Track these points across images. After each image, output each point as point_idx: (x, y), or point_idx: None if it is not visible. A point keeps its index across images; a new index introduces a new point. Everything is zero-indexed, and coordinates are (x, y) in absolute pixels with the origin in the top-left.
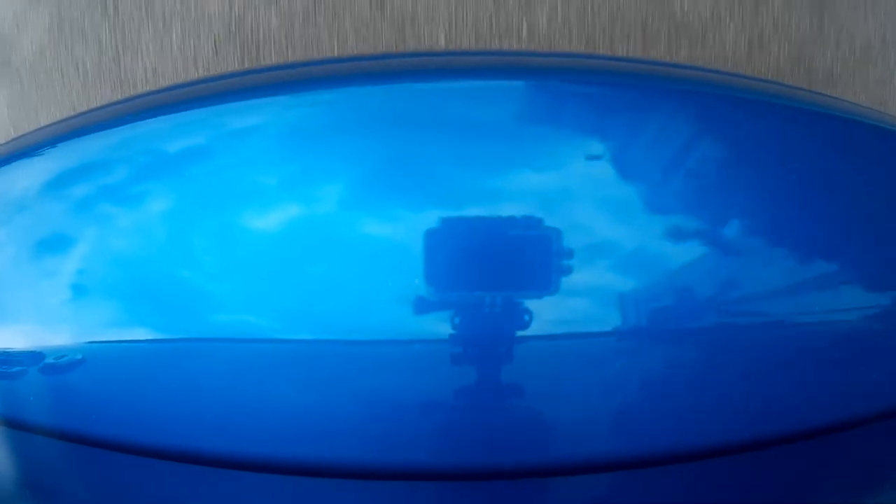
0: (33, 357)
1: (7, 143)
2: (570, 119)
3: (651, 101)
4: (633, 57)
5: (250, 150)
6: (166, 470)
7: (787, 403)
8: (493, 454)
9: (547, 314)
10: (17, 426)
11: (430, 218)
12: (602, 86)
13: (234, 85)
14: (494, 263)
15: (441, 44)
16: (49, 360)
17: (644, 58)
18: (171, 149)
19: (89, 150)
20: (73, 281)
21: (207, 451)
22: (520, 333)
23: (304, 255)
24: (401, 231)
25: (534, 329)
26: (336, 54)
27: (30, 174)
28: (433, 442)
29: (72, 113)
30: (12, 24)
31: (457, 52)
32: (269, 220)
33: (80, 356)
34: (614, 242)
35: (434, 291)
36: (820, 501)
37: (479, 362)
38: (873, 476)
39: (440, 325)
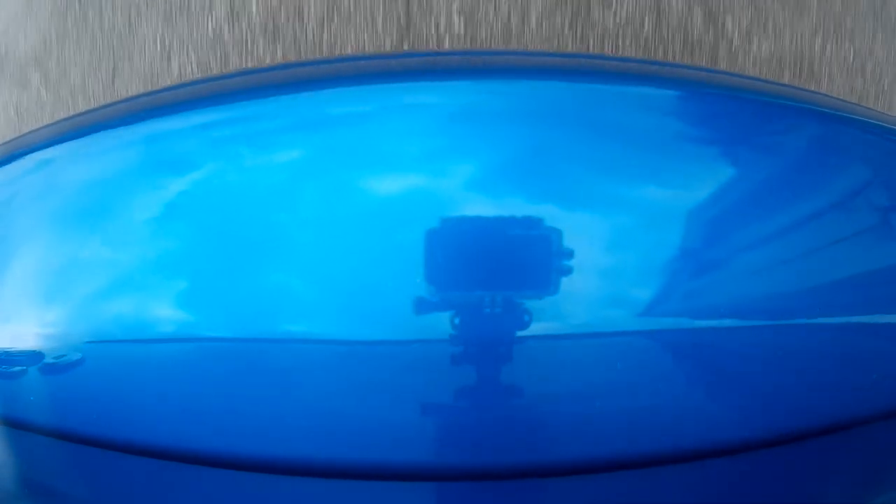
0: (33, 357)
1: (7, 142)
2: (571, 119)
3: (656, 102)
4: (644, 58)
5: (232, 152)
6: (166, 470)
7: (787, 403)
8: (493, 454)
9: (549, 314)
10: (17, 426)
11: (432, 217)
12: (613, 85)
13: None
14: (495, 263)
15: None
16: (49, 360)
17: (655, 59)
18: (163, 151)
19: (88, 148)
20: (73, 280)
21: (207, 451)
22: (521, 333)
23: (302, 255)
24: (401, 230)
25: (535, 329)
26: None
27: (30, 170)
28: (433, 442)
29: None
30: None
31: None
32: (266, 220)
33: (80, 356)
34: (616, 243)
35: (435, 291)
36: (821, 502)
37: (480, 362)
38: (874, 477)
39: (441, 325)
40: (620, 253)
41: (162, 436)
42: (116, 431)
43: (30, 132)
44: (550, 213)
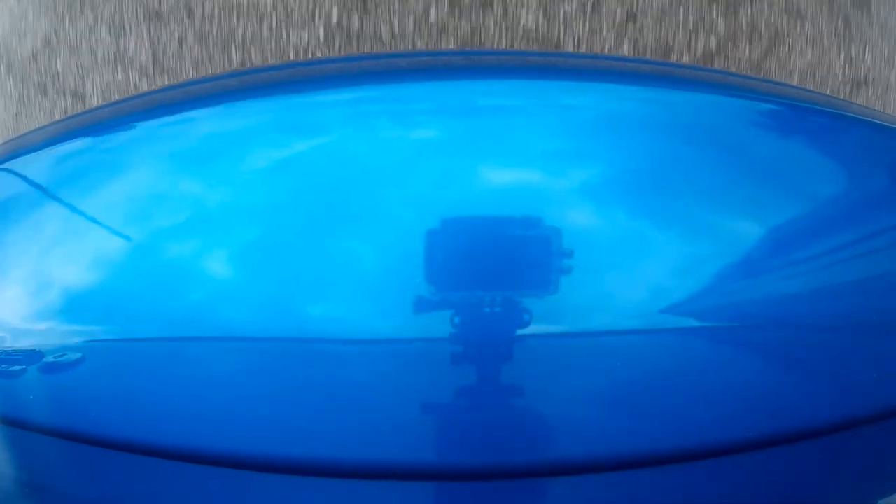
0: (33, 356)
1: (5, 143)
2: (573, 119)
3: (658, 103)
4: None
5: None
6: (166, 470)
7: (787, 403)
8: (493, 454)
9: (548, 313)
10: (17, 425)
11: (432, 217)
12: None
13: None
14: (495, 263)
15: None
16: (49, 359)
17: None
18: (168, 144)
19: (77, 148)
20: (74, 278)
21: (207, 450)
22: (521, 332)
23: (302, 255)
24: (400, 230)
25: (535, 328)
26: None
27: (29, 168)
28: (434, 441)
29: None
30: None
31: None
32: (266, 220)
33: (80, 355)
34: (617, 242)
35: (435, 290)
36: (822, 502)
37: (480, 362)
38: (875, 477)
39: (441, 324)
40: (623, 254)
41: (161, 435)
42: (116, 431)
43: (27, 133)
44: (553, 214)
